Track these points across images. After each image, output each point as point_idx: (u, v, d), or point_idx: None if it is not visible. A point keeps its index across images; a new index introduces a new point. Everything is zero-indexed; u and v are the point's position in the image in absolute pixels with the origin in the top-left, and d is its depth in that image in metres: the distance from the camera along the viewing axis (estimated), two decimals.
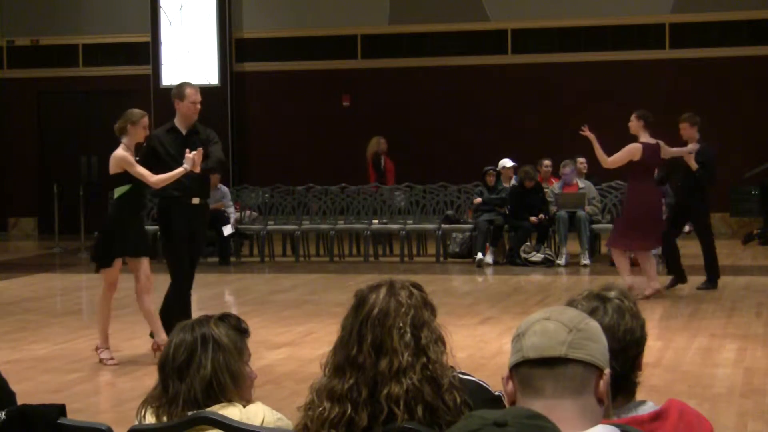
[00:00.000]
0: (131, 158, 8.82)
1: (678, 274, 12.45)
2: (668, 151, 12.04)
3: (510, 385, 2.31)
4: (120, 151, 8.84)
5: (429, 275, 14.41)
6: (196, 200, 9.27)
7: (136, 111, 9.03)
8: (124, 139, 8.86)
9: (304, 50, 20.75)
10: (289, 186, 17.71)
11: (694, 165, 12.05)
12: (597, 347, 2.29)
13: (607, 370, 2.29)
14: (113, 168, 8.87)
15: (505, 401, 2.47)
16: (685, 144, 12.27)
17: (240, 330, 3.31)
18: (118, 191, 8.97)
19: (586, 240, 15.28)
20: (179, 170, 8.87)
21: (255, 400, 3.28)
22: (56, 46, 21.46)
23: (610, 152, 11.79)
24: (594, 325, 2.33)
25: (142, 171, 8.79)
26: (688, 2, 19.33)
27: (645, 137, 11.77)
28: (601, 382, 2.28)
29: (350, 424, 2.86)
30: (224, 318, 3.33)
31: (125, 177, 8.86)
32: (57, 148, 21.37)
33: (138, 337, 10.03)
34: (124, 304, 12.00)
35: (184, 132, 9.28)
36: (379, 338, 2.88)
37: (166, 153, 9.13)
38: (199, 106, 9.29)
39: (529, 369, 2.27)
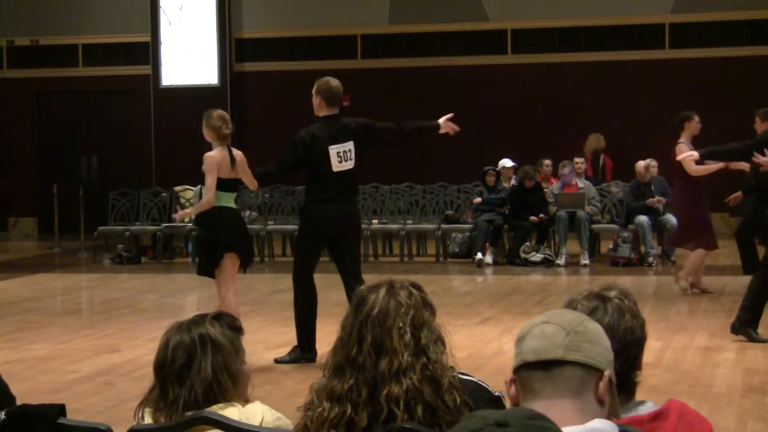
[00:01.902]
0: None
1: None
2: (697, 170, 11.95)
3: (513, 388, 2.32)
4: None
5: (429, 275, 14.40)
6: None
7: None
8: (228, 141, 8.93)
9: (304, 50, 20.73)
10: (289, 186, 17.69)
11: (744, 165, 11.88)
12: (596, 349, 2.29)
13: (607, 372, 2.29)
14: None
15: (507, 403, 2.47)
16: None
17: (235, 328, 3.30)
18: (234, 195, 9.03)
19: (585, 240, 15.28)
20: None
21: (254, 399, 3.27)
22: (56, 46, 21.44)
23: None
24: (594, 328, 2.33)
25: None
26: (688, 2, 19.32)
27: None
28: (601, 384, 2.27)
29: (350, 425, 2.85)
30: (218, 317, 3.31)
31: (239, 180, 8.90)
32: (57, 148, 21.34)
33: (138, 337, 10.05)
34: (125, 304, 12.00)
35: None
36: (379, 338, 2.88)
37: None
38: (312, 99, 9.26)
39: (528, 372, 2.29)
